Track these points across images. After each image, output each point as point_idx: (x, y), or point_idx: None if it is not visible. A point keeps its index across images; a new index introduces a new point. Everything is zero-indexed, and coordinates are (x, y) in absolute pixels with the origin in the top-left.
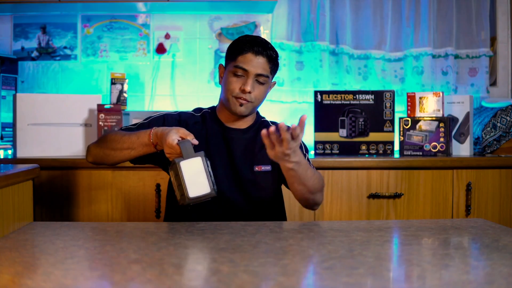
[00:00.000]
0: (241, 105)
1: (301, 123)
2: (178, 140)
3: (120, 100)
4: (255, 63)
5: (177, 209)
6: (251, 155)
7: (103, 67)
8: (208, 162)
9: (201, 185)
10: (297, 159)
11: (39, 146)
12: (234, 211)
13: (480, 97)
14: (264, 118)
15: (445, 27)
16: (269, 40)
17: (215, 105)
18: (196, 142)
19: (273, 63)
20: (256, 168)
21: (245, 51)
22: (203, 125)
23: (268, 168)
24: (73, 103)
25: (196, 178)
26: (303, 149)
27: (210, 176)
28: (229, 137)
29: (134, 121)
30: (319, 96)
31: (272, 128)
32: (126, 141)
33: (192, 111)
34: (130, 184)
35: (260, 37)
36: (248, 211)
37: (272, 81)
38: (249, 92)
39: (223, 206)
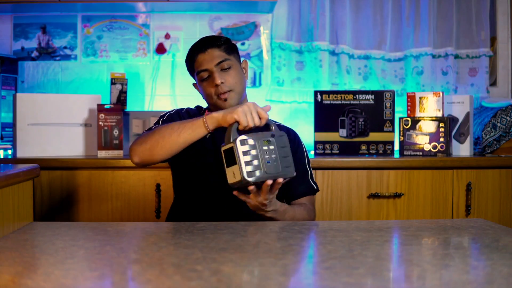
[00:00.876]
0: (225, 100)
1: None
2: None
3: (120, 100)
4: (208, 58)
5: (183, 206)
6: None
7: (103, 67)
8: (249, 139)
9: (236, 173)
10: (273, 207)
11: (39, 146)
12: (235, 211)
13: (480, 97)
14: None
15: (445, 27)
16: (268, 40)
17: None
18: (268, 107)
19: (225, 46)
20: None
21: (194, 56)
22: None
23: None
24: (73, 103)
25: (233, 166)
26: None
27: (244, 162)
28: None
29: (135, 122)
30: (319, 96)
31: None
32: (183, 126)
33: (194, 108)
34: (130, 184)
35: (204, 37)
36: (247, 211)
37: (242, 60)
38: (222, 83)
39: (223, 206)
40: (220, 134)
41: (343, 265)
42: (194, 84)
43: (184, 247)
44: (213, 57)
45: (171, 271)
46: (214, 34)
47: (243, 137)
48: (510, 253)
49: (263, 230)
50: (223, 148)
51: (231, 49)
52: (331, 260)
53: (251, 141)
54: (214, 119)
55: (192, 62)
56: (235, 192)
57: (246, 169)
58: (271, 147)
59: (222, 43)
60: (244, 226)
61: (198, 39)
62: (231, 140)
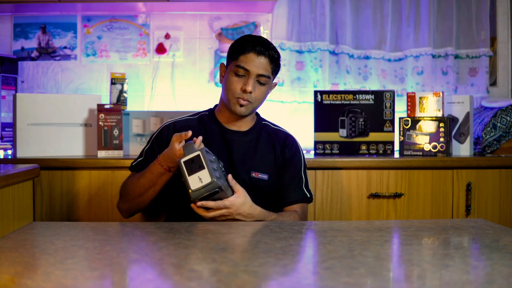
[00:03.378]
0: (241, 105)
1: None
2: (183, 146)
3: (120, 100)
4: (257, 63)
5: (177, 210)
6: (250, 160)
7: (103, 67)
8: (213, 156)
9: (203, 177)
10: (247, 211)
11: (39, 146)
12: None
13: (480, 97)
14: (265, 121)
15: (445, 27)
16: (269, 40)
17: (212, 107)
18: (189, 133)
19: (275, 64)
20: (253, 174)
21: (247, 50)
22: (201, 127)
23: (265, 177)
24: (73, 103)
25: (198, 171)
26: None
27: (213, 168)
28: (229, 139)
29: (135, 122)
30: (319, 96)
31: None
32: (145, 182)
33: (188, 115)
34: None
35: (263, 37)
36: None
37: (273, 82)
38: (250, 92)
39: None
40: (212, 137)
41: (343, 265)
42: (221, 64)
43: (184, 247)
44: (261, 66)
45: (171, 271)
46: (270, 41)
47: (207, 149)
48: (510, 253)
49: (263, 230)
50: (183, 159)
51: (276, 70)
52: (331, 260)
53: (212, 155)
54: (166, 156)
55: (240, 51)
56: (195, 205)
57: (214, 173)
58: (222, 167)
59: (275, 59)
60: (244, 226)
61: (257, 35)
62: (195, 150)
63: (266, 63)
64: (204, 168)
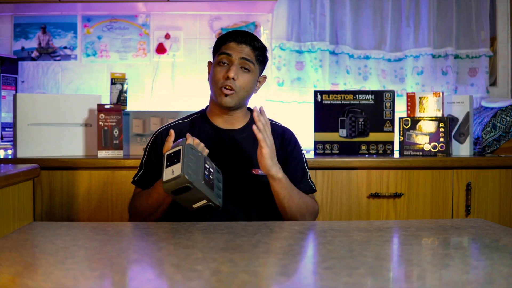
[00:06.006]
0: (226, 95)
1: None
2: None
3: (120, 100)
4: (239, 49)
5: (175, 210)
6: (249, 158)
7: (103, 67)
8: (199, 154)
9: (176, 170)
10: (275, 172)
11: (39, 146)
12: (232, 212)
13: (480, 97)
14: None
15: (445, 27)
16: (269, 40)
17: (204, 108)
18: (172, 132)
19: (259, 52)
20: (253, 171)
21: (228, 40)
22: (193, 130)
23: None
24: (73, 103)
25: (174, 164)
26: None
27: (189, 165)
28: (223, 139)
29: (135, 122)
30: (319, 96)
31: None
32: (153, 203)
33: (179, 119)
34: (130, 184)
35: (247, 31)
36: (245, 213)
37: (262, 75)
38: (233, 79)
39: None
40: (206, 139)
41: (343, 265)
42: (208, 63)
43: (184, 247)
44: (242, 51)
45: (171, 271)
46: (256, 36)
47: (192, 145)
48: (510, 253)
49: (263, 230)
50: (167, 152)
51: (261, 60)
52: (331, 260)
53: (197, 153)
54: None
55: (222, 42)
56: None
57: (188, 169)
58: (212, 170)
59: (258, 47)
60: (244, 226)
61: (241, 29)
62: (180, 145)
63: (249, 50)
64: (179, 162)
